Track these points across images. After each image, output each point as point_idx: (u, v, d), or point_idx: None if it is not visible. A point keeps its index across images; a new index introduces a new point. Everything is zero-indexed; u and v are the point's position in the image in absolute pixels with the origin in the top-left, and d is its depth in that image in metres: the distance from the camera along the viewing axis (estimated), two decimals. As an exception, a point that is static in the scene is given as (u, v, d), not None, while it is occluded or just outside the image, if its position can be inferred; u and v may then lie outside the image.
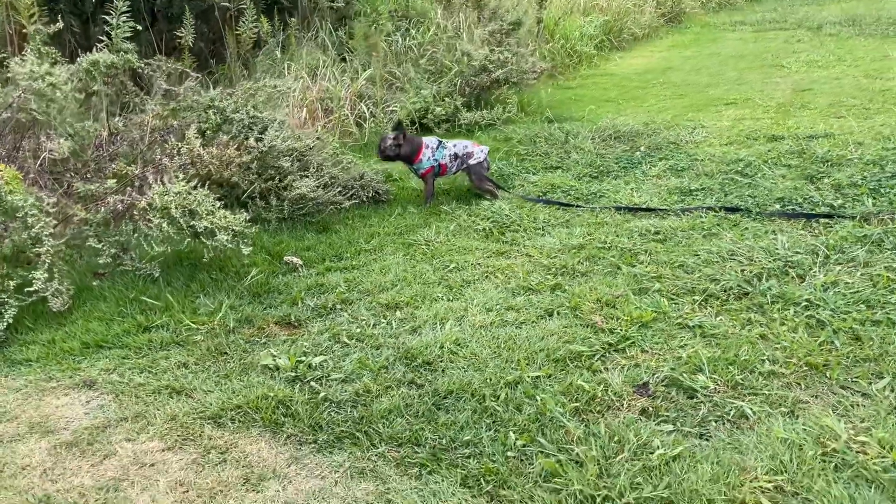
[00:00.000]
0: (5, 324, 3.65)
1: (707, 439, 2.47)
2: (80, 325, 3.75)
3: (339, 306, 3.78)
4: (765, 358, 2.86)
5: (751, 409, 2.56)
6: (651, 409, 2.65)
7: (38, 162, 5.25)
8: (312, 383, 3.06)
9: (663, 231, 4.22)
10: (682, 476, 2.25)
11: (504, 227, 4.64)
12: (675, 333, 3.13)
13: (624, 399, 2.72)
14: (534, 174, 5.67)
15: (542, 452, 2.46)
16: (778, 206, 4.37)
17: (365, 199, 5.38)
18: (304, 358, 3.26)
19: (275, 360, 3.27)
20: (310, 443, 2.70)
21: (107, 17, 5.69)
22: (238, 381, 3.14)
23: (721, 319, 3.20)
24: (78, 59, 5.12)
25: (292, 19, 8.80)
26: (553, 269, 3.93)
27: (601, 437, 2.48)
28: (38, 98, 4.57)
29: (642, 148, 5.88)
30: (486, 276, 3.97)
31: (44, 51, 4.98)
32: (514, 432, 2.58)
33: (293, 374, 3.15)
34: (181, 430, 2.84)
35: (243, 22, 7.58)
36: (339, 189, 5.28)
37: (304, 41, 8.50)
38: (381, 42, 8.30)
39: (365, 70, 7.89)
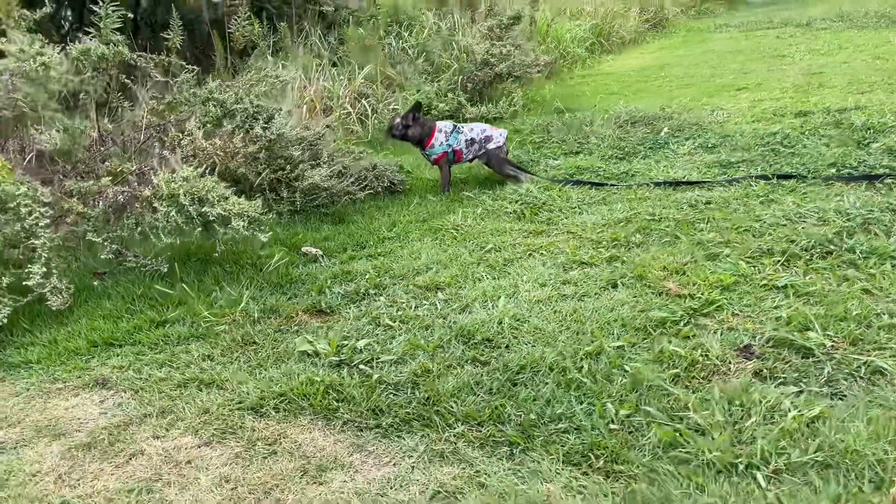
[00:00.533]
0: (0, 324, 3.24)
1: (841, 398, 2.14)
2: (84, 324, 3.35)
3: (372, 291, 3.41)
4: (879, 312, 2.54)
5: (885, 364, 2.23)
6: (765, 370, 2.31)
7: (26, 160, 4.86)
8: (361, 366, 2.69)
9: (715, 201, 3.92)
10: (834, 437, 1.90)
11: (536, 209, 4.32)
12: (764, 295, 2.82)
13: (729, 363, 2.38)
14: (554, 159, 5.37)
15: (653, 422, 2.11)
16: (833, 171, 4.10)
17: (380, 189, 5.04)
18: (345, 342, 2.89)
19: (313, 345, 2.90)
20: (371, 428, 2.32)
21: (94, 8, 5.34)
22: (275, 370, 2.76)
23: (811, 278, 2.88)
24: (66, 48, 4.75)
25: (282, 24, 8.49)
26: (603, 243, 3.61)
27: (719, 403, 2.14)
28: (28, 82, 4.19)
29: (665, 130, 5.61)
30: (529, 255, 3.64)
31: (31, 37, 4.60)
32: (611, 403, 2.23)
33: (337, 358, 2.78)
34: (217, 422, 2.45)
35: (235, 21, 7.27)
36: (353, 179, 4.93)
37: (296, 46, 8.20)
38: (377, 43, 8.02)
39: (362, 70, 7.59)
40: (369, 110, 6.88)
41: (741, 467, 1.87)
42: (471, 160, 4.99)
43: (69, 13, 6.91)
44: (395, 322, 3.04)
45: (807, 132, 4.96)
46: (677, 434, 2.03)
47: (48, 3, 4.91)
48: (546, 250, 3.66)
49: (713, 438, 1.98)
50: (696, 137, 5.34)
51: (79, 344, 3.17)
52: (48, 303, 3.40)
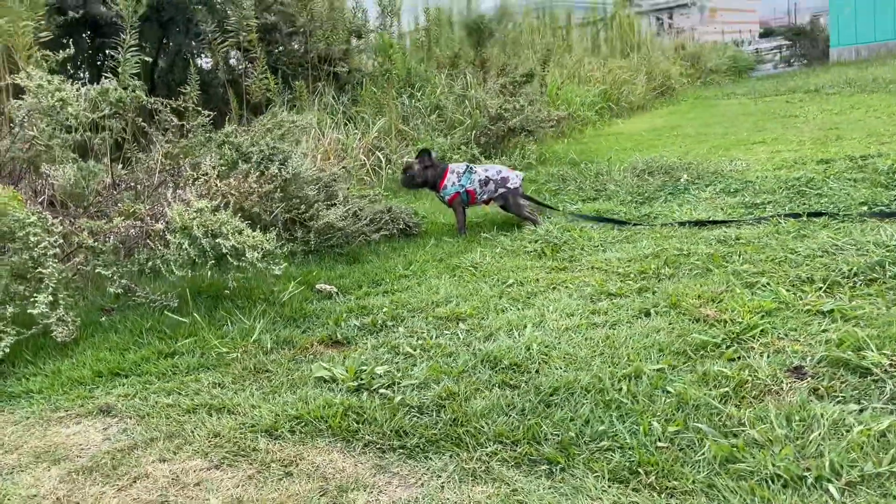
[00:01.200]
0: (1, 353, 3.09)
1: (908, 414, 1.96)
2: (90, 356, 3.20)
3: (389, 323, 3.27)
4: (936, 332, 2.39)
5: (950, 380, 2.07)
6: (821, 389, 2.14)
7: (39, 200, 4.81)
8: (382, 391, 2.53)
9: (745, 237, 3.80)
10: (911, 449, 1.73)
11: (557, 248, 4.21)
12: (810, 320, 2.66)
13: (781, 382, 2.21)
14: (572, 204, 5.28)
15: (705, 438, 1.93)
16: (865, 209, 3.99)
17: (395, 231, 4.94)
18: (364, 367, 2.73)
19: (330, 370, 2.74)
20: (396, 449, 2.15)
21: (113, 54, 5.40)
22: (290, 395, 2.59)
23: (858, 303, 2.73)
24: (84, 87, 4.77)
25: (297, 82, 8.61)
26: (631, 276, 3.48)
27: (777, 419, 1.96)
28: (45, 118, 4.18)
29: (684, 177, 5.54)
30: (554, 288, 3.50)
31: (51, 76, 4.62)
32: (656, 421, 2.05)
33: (355, 383, 2.61)
34: (229, 445, 2.27)
35: (252, 75, 7.36)
36: (367, 221, 4.85)
37: (311, 102, 8.29)
38: (390, 102, 8.10)
39: (375, 124, 7.64)
40: (383, 161, 6.86)
41: (810, 480, 1.69)
42: (486, 201, 4.90)
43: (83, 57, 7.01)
44: (415, 350, 2.89)
45: (831, 176, 4.88)
46: (734, 449, 1.85)
47: (71, 45, 4.96)
48: (571, 283, 3.52)
49: (775, 452, 1.80)
50: (717, 183, 5.27)
51: (83, 374, 3.02)
52: (53, 334, 3.26)
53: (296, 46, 9.19)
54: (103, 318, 3.72)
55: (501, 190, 4.79)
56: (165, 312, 3.55)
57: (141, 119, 5.31)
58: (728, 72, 20.46)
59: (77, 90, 4.47)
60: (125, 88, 5.03)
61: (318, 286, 3.99)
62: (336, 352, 3.04)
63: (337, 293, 3.87)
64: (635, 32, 17.57)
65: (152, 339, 3.36)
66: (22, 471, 2.29)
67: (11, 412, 2.77)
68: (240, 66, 8.73)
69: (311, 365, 2.86)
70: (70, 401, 2.80)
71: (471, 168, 4.85)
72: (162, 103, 5.39)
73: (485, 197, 4.84)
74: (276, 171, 4.71)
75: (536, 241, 4.37)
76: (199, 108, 5.79)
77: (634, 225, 4.37)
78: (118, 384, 2.92)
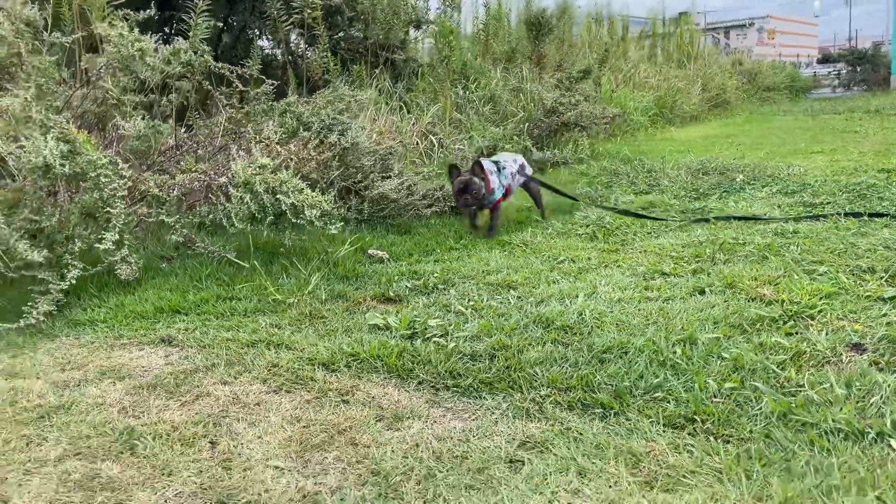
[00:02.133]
0: (68, 284, 3.21)
1: (973, 388, 1.93)
2: (151, 294, 3.32)
3: (440, 286, 3.31)
4: None
5: None
6: (882, 363, 2.12)
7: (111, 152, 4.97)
8: (435, 339, 2.57)
9: (803, 231, 3.76)
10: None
11: (608, 232, 4.21)
12: (870, 305, 2.63)
13: (840, 355, 2.20)
14: (624, 196, 5.27)
15: (762, 395, 1.93)
16: (928, 211, 3.93)
17: (447, 209, 4.99)
18: (417, 319, 2.78)
19: (384, 319, 2.79)
20: (449, 388, 2.19)
21: (184, 17, 5.54)
22: (345, 337, 2.66)
23: (921, 291, 2.69)
24: (157, 47, 4.92)
25: (355, 66, 8.72)
26: (685, 259, 3.47)
27: (837, 383, 1.95)
28: (119, 71, 4.32)
29: (740, 177, 5.49)
30: (606, 266, 3.51)
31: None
32: (712, 380, 2.06)
33: (409, 332, 2.66)
34: (287, 374, 2.34)
35: (315, 52, 7.49)
36: (420, 196, 4.91)
37: (368, 86, 8.40)
38: (448, 90, 8.17)
39: (429, 111, 7.71)
40: (436, 145, 6.92)
41: (871, 435, 1.68)
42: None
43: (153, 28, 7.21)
44: (466, 309, 2.93)
45: (894, 182, 4.79)
46: (792, 406, 1.85)
47: (153, 6, 5.12)
48: (623, 263, 3.53)
49: (835, 411, 1.79)
50: (774, 185, 5.21)
51: (145, 308, 3.13)
52: (117, 271, 3.38)
53: (355, 33, 9.31)
54: (163, 265, 3.83)
55: (522, 178, 4.71)
56: (227, 257, 3.65)
57: (208, 83, 5.46)
58: (785, 90, 20.12)
59: (154, 43, 4.62)
60: (195, 52, 5.18)
61: (370, 251, 4.06)
62: (388, 307, 3.09)
63: (388, 259, 3.93)
64: (693, 44, 17.39)
65: (211, 284, 3.46)
66: (88, 384, 2.38)
67: (77, 338, 2.88)
68: (300, 48, 8.89)
69: (364, 315, 2.92)
70: (132, 331, 2.90)
71: (498, 164, 4.58)
72: (229, 69, 5.53)
73: (514, 188, 4.70)
74: (336, 140, 4.80)
75: (588, 226, 4.38)
76: (263, 77, 5.93)
77: (671, 219, 4.33)
78: (178, 320, 3.02)
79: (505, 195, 4.51)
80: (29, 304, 3.05)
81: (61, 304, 3.15)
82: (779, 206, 4.50)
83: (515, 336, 2.55)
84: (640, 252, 3.74)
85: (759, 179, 5.46)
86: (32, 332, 2.92)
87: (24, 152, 3.28)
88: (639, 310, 2.79)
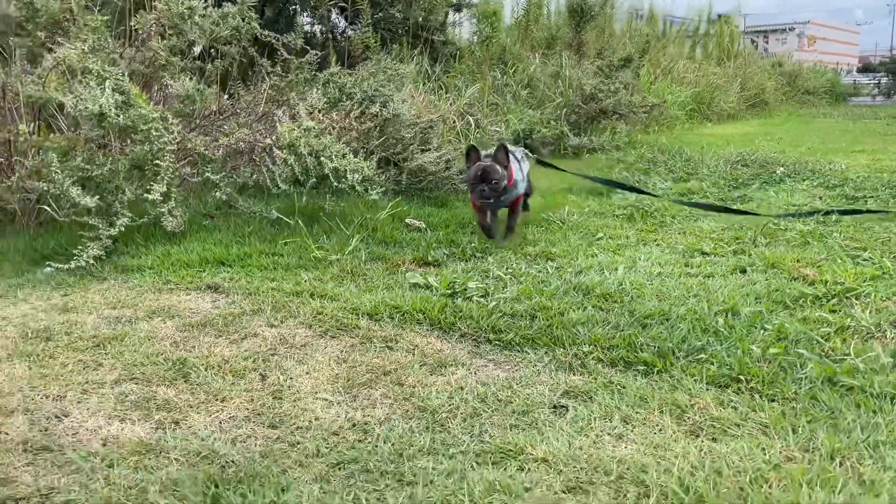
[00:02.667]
0: (117, 231, 3.29)
1: None
2: (196, 246, 3.39)
3: (478, 254, 3.34)
4: None
5: None
6: (928, 339, 2.12)
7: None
8: (476, 298, 2.60)
9: (846, 220, 3.73)
10: None
11: (646, 214, 4.20)
12: (915, 288, 2.61)
13: (885, 331, 2.19)
14: (663, 182, 5.25)
15: (808, 361, 1.94)
16: (977, 207, 3.87)
17: (484, 185, 5.01)
18: (457, 280, 2.81)
19: (425, 279, 2.83)
20: (491, 341, 2.22)
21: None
22: (387, 293, 2.70)
23: (968, 279, 2.67)
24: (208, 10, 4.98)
25: (395, 46, 8.76)
26: (725, 241, 3.46)
27: (883, 353, 1.95)
28: (169, 30, 4.39)
29: (780, 170, 5.44)
30: (645, 244, 3.51)
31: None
32: (755, 346, 2.07)
33: (449, 291, 2.70)
34: (331, 321, 2.39)
35: (357, 27, 7.54)
36: (458, 171, 4.93)
37: (408, 64, 8.42)
38: (488, 71, 8.18)
39: (467, 91, 7.72)
40: (473, 125, 6.93)
41: (919, 400, 1.69)
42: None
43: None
44: (506, 276, 2.95)
45: (939, 180, 4.73)
46: (838, 371, 1.86)
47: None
48: (662, 241, 3.53)
49: (882, 378, 1.80)
50: (815, 178, 5.16)
51: (190, 258, 3.20)
52: (164, 223, 3.46)
53: (395, 13, 9.34)
54: (206, 222, 3.90)
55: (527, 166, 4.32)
56: (268, 218, 3.72)
57: (255, 48, 5.52)
58: (825, 94, 19.78)
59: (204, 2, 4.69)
60: (242, 19, 5.24)
61: (407, 220, 4.09)
62: (427, 269, 3.13)
63: (426, 228, 3.96)
64: (734, 43, 17.17)
65: (254, 241, 3.52)
66: (139, 321, 2.45)
67: (125, 282, 2.96)
68: (340, 26, 8.94)
69: (405, 275, 2.96)
70: (179, 278, 2.97)
71: (513, 153, 3.83)
72: (275, 37, 5.58)
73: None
74: (378, 110, 4.84)
75: (626, 208, 4.37)
76: (307, 48, 5.98)
77: (749, 214, 4.19)
78: (223, 271, 3.08)
79: (526, 193, 3.89)
80: (79, 247, 3.14)
81: (109, 250, 3.24)
82: (820, 198, 4.46)
83: (556, 300, 2.57)
84: (679, 233, 3.74)
85: (800, 173, 5.40)
86: (82, 274, 3.01)
87: (81, 100, 3.36)
88: (679, 283, 2.80)
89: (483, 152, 3.55)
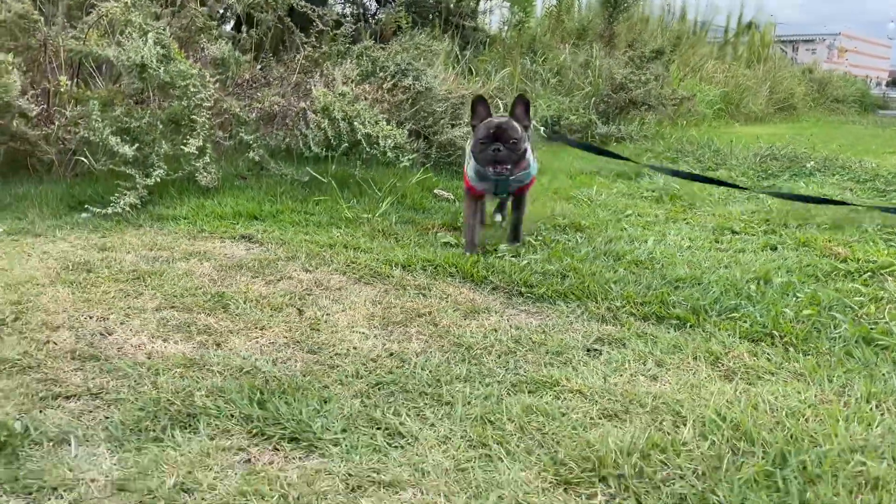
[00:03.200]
0: (153, 181, 3.35)
1: None
2: (230, 201, 3.43)
3: (504, 225, 3.35)
4: None
5: None
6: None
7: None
8: (508, 258, 2.62)
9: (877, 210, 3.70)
10: None
11: (675, 196, 4.19)
12: (949, 268, 2.60)
13: (919, 302, 2.19)
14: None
15: (841, 322, 1.95)
16: None
17: (513, 163, 5.02)
18: (488, 242, 2.83)
19: (456, 239, 2.86)
20: (524, 295, 2.24)
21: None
22: (419, 249, 2.73)
23: None
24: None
25: (426, 29, 8.76)
26: (755, 222, 3.45)
27: (918, 318, 1.96)
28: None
29: (810, 164, 5.41)
30: (674, 222, 3.51)
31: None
32: (788, 309, 2.07)
33: (480, 249, 2.72)
34: (365, 269, 2.43)
35: (389, 8, 7.56)
36: (463, 134, 4.96)
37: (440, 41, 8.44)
38: (518, 57, 8.17)
39: (496, 75, 7.72)
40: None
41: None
42: None
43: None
44: (536, 241, 2.97)
45: (972, 178, 4.69)
46: (872, 332, 1.86)
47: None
48: (692, 220, 3.53)
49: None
50: (844, 173, 5.12)
51: (224, 211, 3.25)
52: (198, 178, 3.51)
53: (427, -2, 9.34)
54: (238, 182, 3.95)
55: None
56: (299, 181, 3.76)
57: (290, 18, 5.56)
58: (854, 104, 19.57)
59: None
60: (280, -11, 5.28)
61: (436, 191, 4.11)
62: (458, 234, 3.15)
63: (454, 199, 3.98)
64: (765, 47, 17.02)
65: (286, 200, 3.56)
66: (176, 261, 2.50)
67: (160, 229, 3.01)
68: (371, 8, 8.97)
69: (436, 235, 2.99)
70: (213, 227, 3.02)
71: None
72: (311, 7, 5.62)
73: None
74: (410, 83, 4.87)
75: (654, 190, 4.37)
76: (342, 20, 6.01)
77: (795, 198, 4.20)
78: (256, 224, 3.13)
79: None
80: (115, 195, 3.19)
81: (145, 200, 3.29)
82: (850, 190, 4.44)
83: (587, 263, 2.59)
84: (709, 215, 3.74)
85: (830, 168, 5.37)
86: (118, 220, 3.06)
87: (124, 50, 3.41)
88: (710, 256, 2.80)
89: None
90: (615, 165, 5.01)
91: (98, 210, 3.06)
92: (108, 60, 4.04)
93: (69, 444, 1.21)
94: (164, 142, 3.54)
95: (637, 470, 1.20)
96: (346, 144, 3.93)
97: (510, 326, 1.94)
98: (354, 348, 1.74)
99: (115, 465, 1.16)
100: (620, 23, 9.45)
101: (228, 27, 6.23)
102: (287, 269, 2.41)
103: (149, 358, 1.63)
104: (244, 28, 5.19)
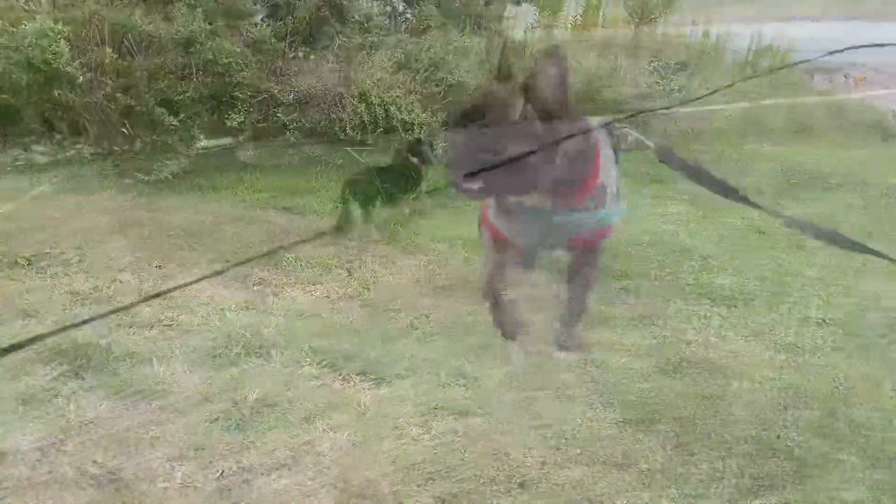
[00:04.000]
0: (195, 152, 3.43)
1: None
2: (269, 177, 3.50)
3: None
4: None
5: None
6: None
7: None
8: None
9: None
10: None
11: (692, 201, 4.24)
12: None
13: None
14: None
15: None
16: None
17: (539, 161, 5.09)
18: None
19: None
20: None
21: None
22: (457, 228, 2.79)
23: None
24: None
25: (453, 31, 8.82)
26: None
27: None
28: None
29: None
30: (697, 222, 3.57)
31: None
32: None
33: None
34: (408, 241, 2.49)
35: (413, 11, 7.66)
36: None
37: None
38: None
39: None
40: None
41: None
42: None
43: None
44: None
45: None
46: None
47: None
48: (717, 219, 3.58)
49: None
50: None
51: (263, 185, 3.31)
52: (237, 153, 3.59)
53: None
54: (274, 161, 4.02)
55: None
56: (333, 164, 3.83)
57: (327, 9, 5.63)
58: (870, 129, 19.58)
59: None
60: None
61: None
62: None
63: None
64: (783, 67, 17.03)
65: (321, 179, 3.62)
66: (222, 224, 2.57)
67: (202, 197, 3.08)
68: (399, 9, 9.07)
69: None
70: (254, 199, 3.09)
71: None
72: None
73: None
74: (443, 76, 4.94)
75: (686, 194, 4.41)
76: (372, 16, 6.08)
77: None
78: (296, 198, 3.19)
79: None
80: (158, 163, 3.27)
81: (187, 170, 3.36)
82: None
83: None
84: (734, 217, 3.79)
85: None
86: (161, 187, 3.13)
87: (174, 24, 3.50)
88: (738, 246, 2.86)
89: None
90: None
91: (142, 177, 3.13)
92: (150, 36, 4.13)
93: (151, 363, 1.28)
94: (205, 115, 3.62)
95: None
96: (381, 130, 4.00)
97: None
98: (408, 304, 1.80)
99: (197, 381, 1.22)
100: (647, 34, 9.52)
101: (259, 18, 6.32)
102: (331, 237, 2.47)
103: (212, 300, 1.69)
104: (282, 14, 5.27)
